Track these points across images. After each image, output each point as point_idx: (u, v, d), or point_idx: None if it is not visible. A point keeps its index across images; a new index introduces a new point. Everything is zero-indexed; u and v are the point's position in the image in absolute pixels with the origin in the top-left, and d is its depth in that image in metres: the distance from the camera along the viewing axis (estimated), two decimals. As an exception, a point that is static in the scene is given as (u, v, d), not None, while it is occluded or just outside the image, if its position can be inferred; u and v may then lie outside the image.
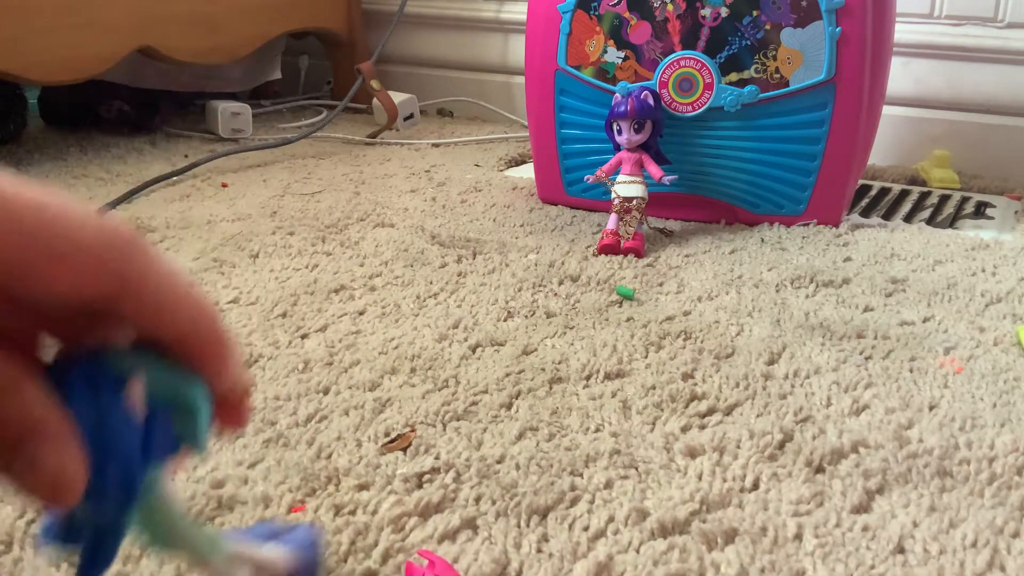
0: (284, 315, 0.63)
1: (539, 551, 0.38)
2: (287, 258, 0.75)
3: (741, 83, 0.81)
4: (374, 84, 1.24)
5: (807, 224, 0.84)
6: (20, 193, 0.20)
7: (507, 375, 0.54)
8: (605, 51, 0.85)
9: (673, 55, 0.82)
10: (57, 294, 0.20)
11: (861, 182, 1.02)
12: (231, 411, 0.25)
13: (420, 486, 0.43)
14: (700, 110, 0.82)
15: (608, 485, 0.43)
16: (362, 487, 0.43)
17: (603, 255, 0.76)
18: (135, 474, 0.23)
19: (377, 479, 0.43)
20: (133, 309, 0.22)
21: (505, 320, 0.63)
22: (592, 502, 0.42)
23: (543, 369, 0.55)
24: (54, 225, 0.20)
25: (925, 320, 0.63)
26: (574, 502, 0.42)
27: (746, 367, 0.55)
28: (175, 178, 1.01)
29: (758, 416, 0.50)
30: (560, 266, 0.73)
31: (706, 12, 0.81)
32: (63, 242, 0.20)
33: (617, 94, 0.82)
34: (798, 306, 0.65)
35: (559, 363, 0.56)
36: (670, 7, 0.81)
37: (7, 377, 0.21)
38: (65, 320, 0.22)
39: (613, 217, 0.79)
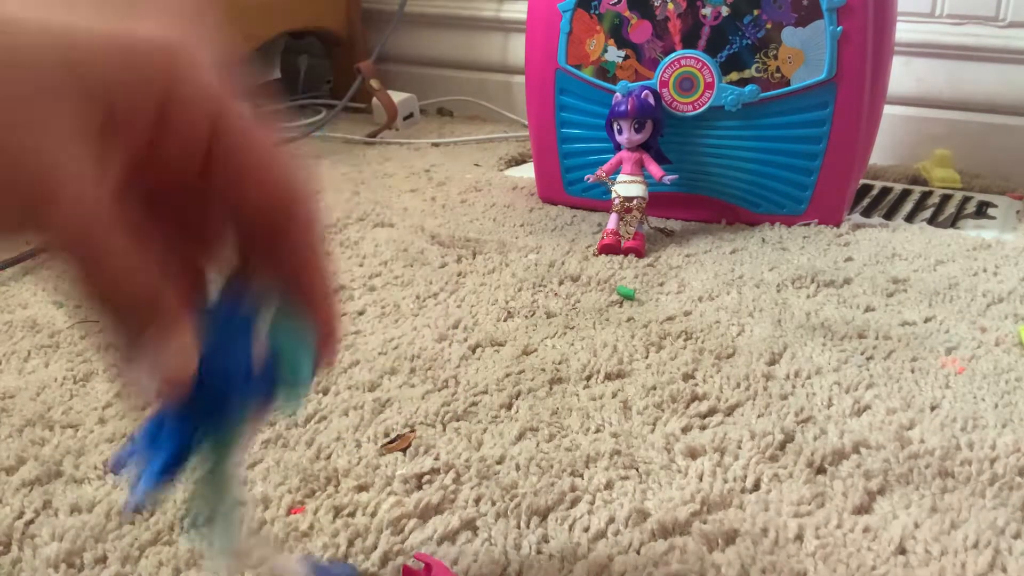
0: None
1: (539, 552, 0.38)
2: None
3: (742, 82, 0.81)
4: (374, 83, 1.24)
5: (808, 224, 0.84)
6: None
7: (507, 375, 0.54)
8: (605, 50, 0.84)
9: (674, 54, 0.82)
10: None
11: (862, 182, 1.01)
12: (324, 340, 0.28)
13: (420, 487, 0.43)
14: (701, 109, 0.82)
15: (608, 486, 0.43)
16: (361, 488, 0.42)
17: (603, 255, 0.76)
18: (233, 395, 0.25)
19: (377, 480, 0.43)
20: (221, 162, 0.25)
21: (505, 320, 0.63)
22: (592, 503, 0.42)
23: (543, 369, 0.55)
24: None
25: (927, 320, 0.63)
26: (574, 503, 0.42)
27: (747, 367, 0.55)
28: (175, 178, 1.00)
29: (759, 416, 0.50)
30: (560, 266, 0.73)
31: (707, 11, 0.80)
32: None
33: (617, 93, 0.82)
34: (799, 306, 0.65)
35: (559, 363, 0.56)
36: (671, 6, 0.81)
37: (156, 275, 0.24)
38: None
39: (613, 217, 0.78)
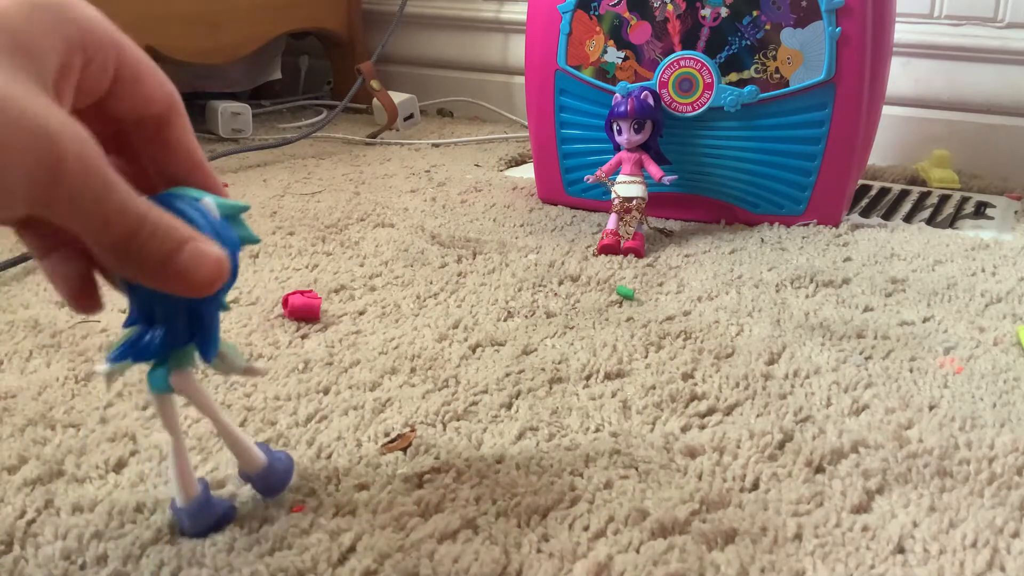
0: (284, 315, 0.63)
1: (539, 551, 0.38)
2: (287, 258, 0.75)
3: (741, 83, 0.81)
4: (374, 84, 1.24)
5: (807, 224, 0.84)
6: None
7: (507, 375, 0.54)
8: (605, 51, 0.85)
9: (673, 55, 0.82)
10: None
11: (861, 182, 1.02)
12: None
13: (420, 486, 0.43)
14: (700, 110, 0.82)
15: (608, 485, 0.43)
16: (362, 487, 0.43)
17: (603, 255, 0.76)
18: (237, 261, 0.34)
19: (377, 479, 0.43)
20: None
21: (505, 320, 0.63)
22: (592, 502, 0.42)
23: (543, 369, 0.55)
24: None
25: (925, 320, 0.63)
26: (574, 502, 0.42)
27: (746, 367, 0.55)
28: (175, 178, 1.01)
29: (758, 416, 0.50)
30: (560, 266, 0.73)
31: (706, 12, 0.81)
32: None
33: (617, 94, 0.82)
34: (798, 306, 0.65)
35: (559, 363, 0.56)
36: (670, 7, 0.82)
37: (147, 213, 0.30)
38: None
39: (613, 217, 0.79)
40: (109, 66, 0.31)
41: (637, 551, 0.38)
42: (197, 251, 0.31)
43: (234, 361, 0.38)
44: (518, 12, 1.36)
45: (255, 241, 0.36)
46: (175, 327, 0.35)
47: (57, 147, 0.27)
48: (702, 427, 0.49)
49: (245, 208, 0.35)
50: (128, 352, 0.35)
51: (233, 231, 0.34)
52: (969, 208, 0.93)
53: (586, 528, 0.40)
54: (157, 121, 0.33)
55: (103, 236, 0.29)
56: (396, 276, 0.71)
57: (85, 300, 0.34)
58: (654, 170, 0.79)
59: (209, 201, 0.34)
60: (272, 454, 0.41)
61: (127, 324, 0.35)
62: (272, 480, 0.41)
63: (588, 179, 0.81)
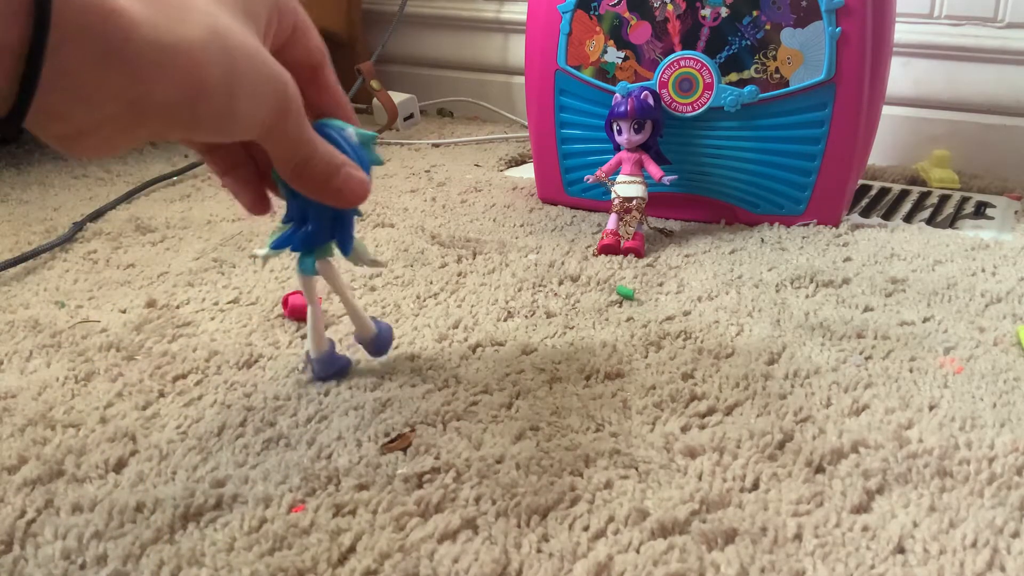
0: (284, 315, 0.63)
1: (539, 551, 0.38)
2: (287, 258, 0.75)
3: (741, 83, 0.81)
4: (374, 84, 1.24)
5: (807, 224, 0.84)
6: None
7: (507, 375, 0.54)
8: (605, 51, 0.85)
9: (673, 55, 0.82)
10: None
11: (861, 182, 1.02)
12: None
13: (420, 486, 0.43)
14: (700, 110, 0.82)
15: (608, 485, 0.43)
16: (362, 487, 0.43)
17: (603, 255, 0.76)
18: (369, 177, 0.45)
19: (377, 479, 0.43)
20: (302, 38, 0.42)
21: (505, 320, 0.63)
22: (592, 502, 0.42)
23: (543, 369, 0.55)
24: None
25: (925, 320, 0.63)
26: (574, 502, 0.42)
27: (746, 367, 0.55)
28: (175, 178, 1.01)
29: (758, 416, 0.50)
30: (560, 266, 0.73)
31: (706, 12, 0.81)
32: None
33: (617, 94, 0.82)
34: (798, 306, 0.65)
35: (559, 363, 0.56)
36: (670, 7, 0.82)
37: (317, 143, 0.41)
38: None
39: (613, 217, 0.79)
40: (289, 24, 0.40)
41: (637, 551, 0.38)
42: (349, 175, 0.42)
43: (364, 255, 0.49)
44: (518, 12, 1.36)
45: (381, 163, 0.46)
46: (322, 227, 0.47)
47: (288, 90, 0.36)
48: (702, 427, 0.49)
49: (375, 137, 0.45)
50: (288, 242, 0.47)
51: (366, 154, 0.45)
52: (969, 208, 0.93)
53: (586, 528, 0.40)
54: (314, 68, 0.42)
55: (290, 160, 0.39)
56: (396, 276, 0.71)
57: (261, 206, 0.46)
58: (654, 170, 0.79)
59: (351, 131, 0.44)
60: (379, 325, 0.54)
61: (285, 221, 0.47)
62: (380, 343, 0.54)
63: (588, 179, 0.81)
